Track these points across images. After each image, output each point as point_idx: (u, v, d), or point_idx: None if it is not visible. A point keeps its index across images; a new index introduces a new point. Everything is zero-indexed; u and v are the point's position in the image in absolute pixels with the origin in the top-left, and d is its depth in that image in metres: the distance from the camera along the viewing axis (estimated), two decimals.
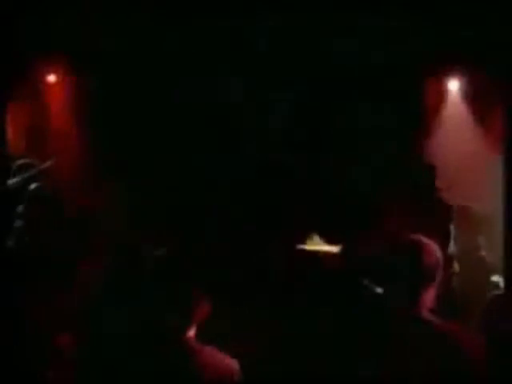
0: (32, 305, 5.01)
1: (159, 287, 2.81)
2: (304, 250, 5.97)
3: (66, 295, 4.89)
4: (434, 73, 6.75)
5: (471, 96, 6.79)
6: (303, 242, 6.00)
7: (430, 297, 2.81)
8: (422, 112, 6.82)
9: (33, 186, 5.75)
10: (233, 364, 2.80)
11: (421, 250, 2.80)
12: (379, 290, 2.86)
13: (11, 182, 5.95)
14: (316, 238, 6.05)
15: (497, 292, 5.46)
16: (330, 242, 5.90)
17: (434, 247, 2.83)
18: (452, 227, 5.62)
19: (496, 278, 5.93)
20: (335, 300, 4.98)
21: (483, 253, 6.29)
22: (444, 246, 5.63)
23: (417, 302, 2.78)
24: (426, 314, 2.79)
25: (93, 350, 3.10)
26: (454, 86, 6.91)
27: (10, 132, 6.77)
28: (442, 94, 6.94)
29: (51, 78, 7.10)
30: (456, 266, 5.79)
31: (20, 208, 5.71)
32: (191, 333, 2.80)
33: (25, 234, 5.63)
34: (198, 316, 2.80)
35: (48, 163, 6.07)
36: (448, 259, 5.60)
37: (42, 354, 4.00)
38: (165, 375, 2.72)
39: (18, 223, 5.68)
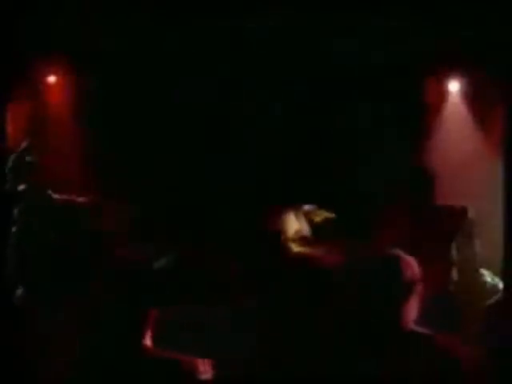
0: (32, 305, 5.01)
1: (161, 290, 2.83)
2: (300, 251, 5.96)
3: (68, 296, 4.90)
4: (434, 73, 6.75)
5: (471, 96, 6.79)
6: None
7: (411, 308, 2.86)
8: (422, 112, 6.82)
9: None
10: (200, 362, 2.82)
11: (398, 264, 2.84)
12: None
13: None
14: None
15: (496, 294, 5.45)
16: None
17: (411, 262, 2.89)
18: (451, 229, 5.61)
19: (496, 280, 5.92)
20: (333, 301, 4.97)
21: (483, 254, 6.28)
22: (441, 248, 5.63)
23: (398, 313, 2.83)
24: (411, 325, 2.84)
25: (93, 351, 3.09)
26: (454, 86, 6.91)
27: (9, 132, 6.76)
28: (442, 94, 6.93)
29: (51, 78, 7.10)
30: (455, 270, 5.78)
31: (19, 206, 5.70)
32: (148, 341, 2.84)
33: (25, 233, 5.63)
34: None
35: (24, 145, 6.02)
36: (448, 263, 5.61)
37: (42, 354, 4.00)
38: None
39: (19, 221, 5.68)
